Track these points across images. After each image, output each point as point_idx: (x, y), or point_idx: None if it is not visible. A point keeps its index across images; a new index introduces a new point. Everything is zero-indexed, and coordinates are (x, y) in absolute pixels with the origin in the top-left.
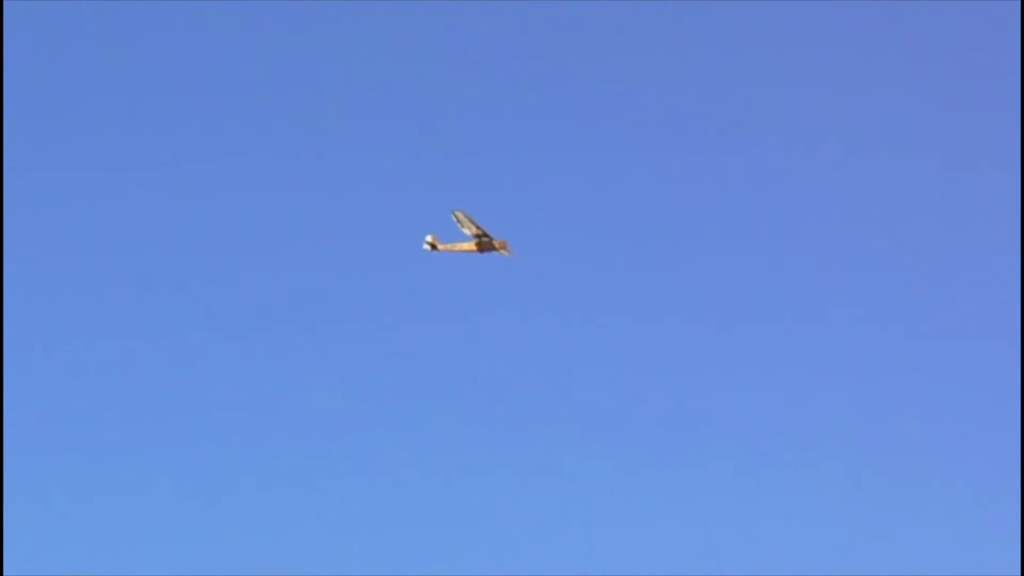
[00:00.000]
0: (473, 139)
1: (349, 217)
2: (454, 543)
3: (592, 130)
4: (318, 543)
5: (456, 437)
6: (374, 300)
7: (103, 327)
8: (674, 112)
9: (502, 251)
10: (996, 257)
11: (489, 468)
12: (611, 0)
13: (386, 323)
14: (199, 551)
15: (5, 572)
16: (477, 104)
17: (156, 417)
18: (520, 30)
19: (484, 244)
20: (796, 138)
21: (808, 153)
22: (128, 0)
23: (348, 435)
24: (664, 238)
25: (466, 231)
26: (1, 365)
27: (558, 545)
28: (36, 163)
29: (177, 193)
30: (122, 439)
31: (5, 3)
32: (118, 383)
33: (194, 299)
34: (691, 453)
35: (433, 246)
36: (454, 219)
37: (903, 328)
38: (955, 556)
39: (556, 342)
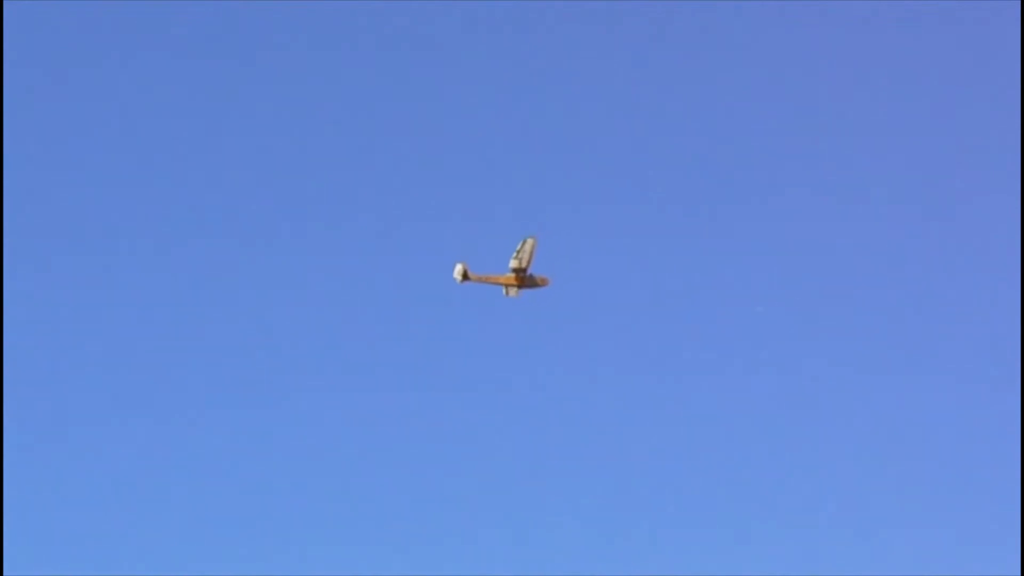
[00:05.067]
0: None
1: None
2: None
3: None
4: (326, 544)
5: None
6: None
7: (104, 327)
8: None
9: (541, 286)
10: (996, 257)
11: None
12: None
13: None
14: (199, 551)
15: (5, 572)
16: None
17: (158, 417)
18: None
19: (527, 280)
20: (798, 143)
21: (809, 156)
22: (128, 0)
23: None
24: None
25: (514, 261)
26: (1, 365)
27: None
28: (36, 163)
29: (179, 194)
30: (122, 439)
31: (5, 3)
32: (118, 383)
33: (199, 300)
34: (695, 457)
35: (465, 275)
36: (520, 244)
37: (903, 327)
38: (955, 556)
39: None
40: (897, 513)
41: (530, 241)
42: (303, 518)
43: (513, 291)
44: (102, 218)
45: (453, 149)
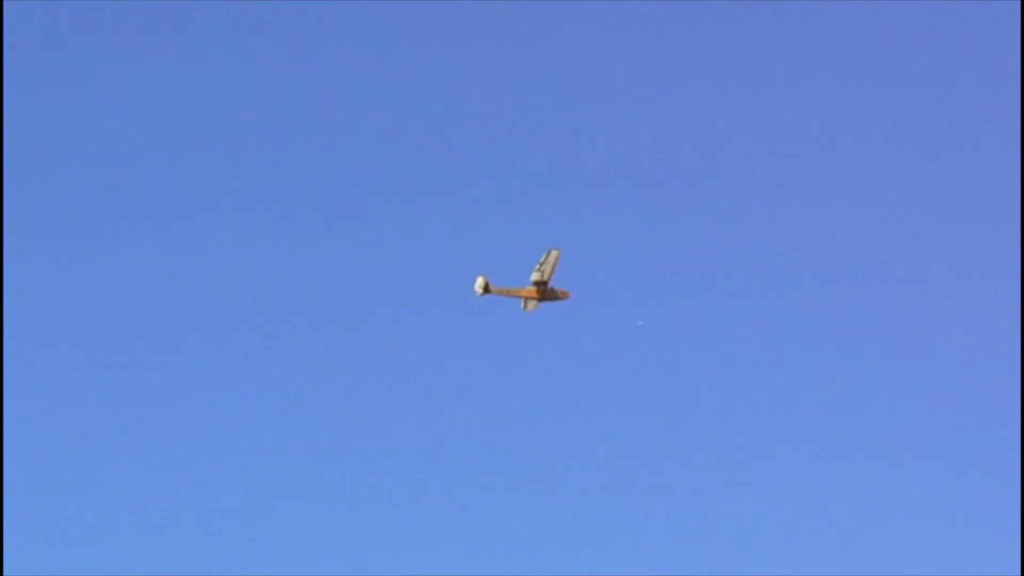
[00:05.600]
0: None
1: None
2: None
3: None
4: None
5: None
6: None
7: (104, 327)
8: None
9: (563, 299)
10: (996, 257)
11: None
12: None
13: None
14: (199, 551)
15: (5, 572)
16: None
17: (158, 417)
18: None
19: (549, 293)
20: (797, 147)
21: (809, 157)
22: (128, 0)
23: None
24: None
25: (535, 274)
26: (1, 367)
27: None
28: (36, 163)
29: (183, 198)
30: (123, 439)
31: (5, 3)
32: (119, 383)
33: (203, 306)
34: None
35: (486, 289)
36: (544, 256)
37: (904, 328)
38: (955, 556)
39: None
40: (897, 513)
41: (554, 253)
42: (306, 521)
43: (532, 305)
44: (102, 218)
45: (475, 162)
